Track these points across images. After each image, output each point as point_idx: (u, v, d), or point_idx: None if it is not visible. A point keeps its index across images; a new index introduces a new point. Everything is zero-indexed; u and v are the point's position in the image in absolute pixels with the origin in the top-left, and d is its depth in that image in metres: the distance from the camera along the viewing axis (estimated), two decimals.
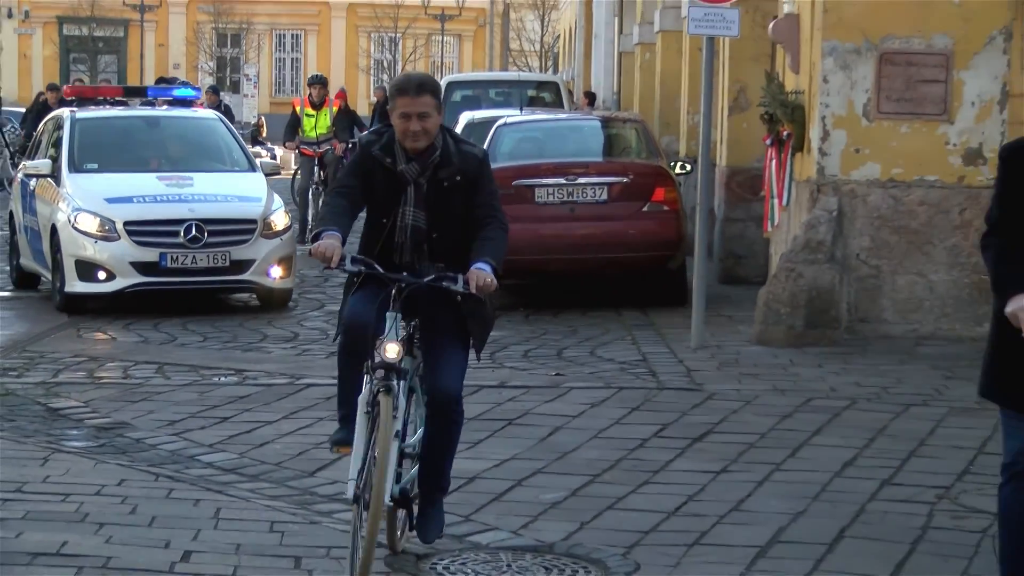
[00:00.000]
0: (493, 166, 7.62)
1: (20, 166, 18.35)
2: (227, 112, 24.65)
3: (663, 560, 7.26)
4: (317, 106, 24.14)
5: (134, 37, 66.98)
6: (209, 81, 52.28)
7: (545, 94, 27.49)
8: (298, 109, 24.36)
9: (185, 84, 24.25)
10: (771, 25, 15.23)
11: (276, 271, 15.27)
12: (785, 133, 14.47)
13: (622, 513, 8.11)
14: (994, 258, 5.70)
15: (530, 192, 15.24)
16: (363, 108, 47.94)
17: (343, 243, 6.61)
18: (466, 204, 6.84)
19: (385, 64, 66.93)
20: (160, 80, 33.97)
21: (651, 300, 15.80)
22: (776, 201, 14.98)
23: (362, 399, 6.58)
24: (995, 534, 6.30)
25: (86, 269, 14.78)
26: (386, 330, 6.56)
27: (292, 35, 70.77)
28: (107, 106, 17.87)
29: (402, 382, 6.57)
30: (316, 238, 6.63)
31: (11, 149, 30.82)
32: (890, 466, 9.13)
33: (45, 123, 18.06)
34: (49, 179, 15.88)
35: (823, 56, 13.88)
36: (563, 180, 15.65)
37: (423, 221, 6.84)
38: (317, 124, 24.05)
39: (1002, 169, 5.86)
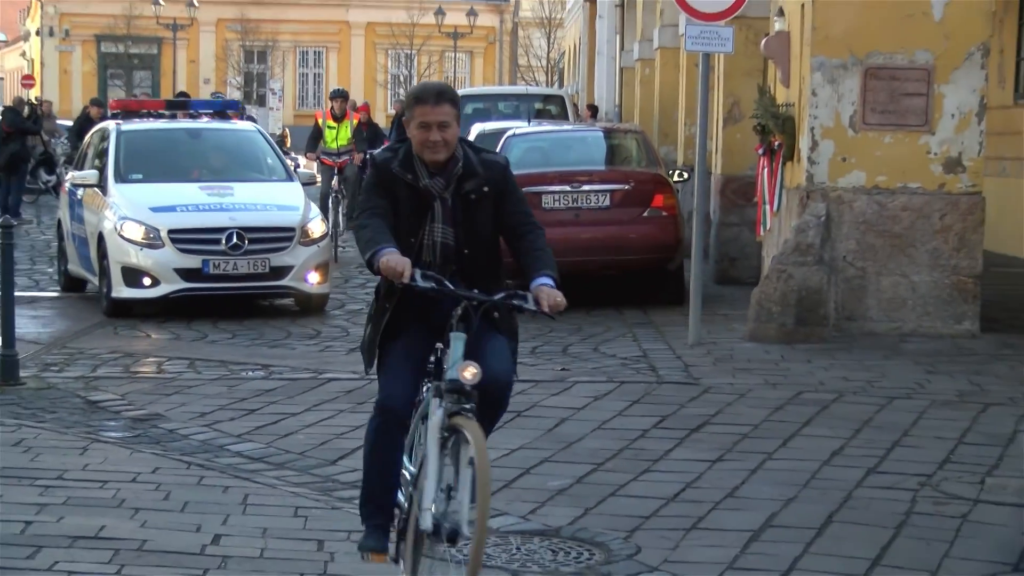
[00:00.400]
0: None
1: (68, 176, 18.24)
2: None
3: (662, 543, 7.25)
4: (338, 119, 24.12)
5: (167, 54, 66.94)
6: (236, 95, 52.33)
7: (551, 107, 27.47)
8: (320, 121, 24.34)
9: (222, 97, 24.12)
10: (763, 42, 15.22)
11: (314, 277, 15.15)
12: (776, 143, 14.47)
13: (624, 499, 8.11)
14: None
15: (537, 199, 15.20)
16: (381, 121, 47.87)
17: None
18: (495, 215, 6.04)
19: (401, 79, 66.82)
20: (180, 94, 33.96)
21: (651, 300, 15.79)
22: (768, 207, 14.98)
23: (434, 424, 5.72)
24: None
25: (132, 275, 14.67)
26: (454, 351, 5.74)
27: (314, 52, 70.78)
28: (151, 118, 17.70)
29: (473, 404, 5.70)
30: (373, 257, 5.77)
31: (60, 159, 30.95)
32: (875, 455, 9.12)
33: (91, 135, 17.93)
34: (96, 189, 15.78)
35: (812, 71, 13.86)
36: (568, 187, 15.64)
37: (452, 237, 6.01)
38: (338, 136, 24.02)
39: None
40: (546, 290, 5.79)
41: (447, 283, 5.80)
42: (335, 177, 22.75)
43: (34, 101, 40.90)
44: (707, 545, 7.23)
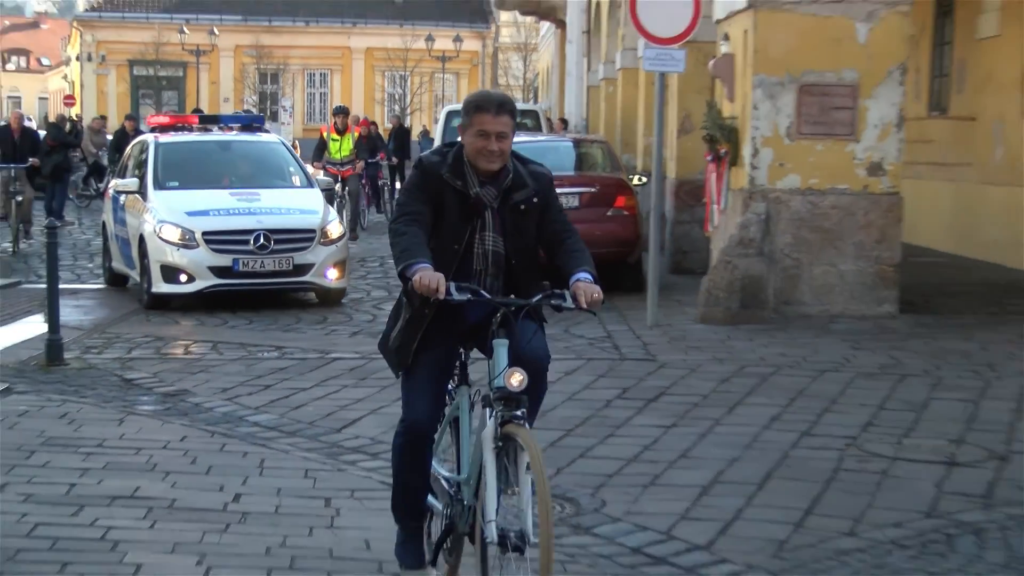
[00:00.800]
0: None
1: (111, 183, 18.09)
2: None
3: (625, 497, 7.28)
4: (341, 132, 24.05)
5: (191, 76, 66.62)
6: (253, 112, 52.10)
7: (527, 120, 27.36)
8: (325, 135, 24.27)
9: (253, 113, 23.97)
10: (711, 63, 15.23)
11: (332, 273, 15.02)
12: (723, 151, 14.47)
13: (591, 460, 8.14)
14: None
15: None
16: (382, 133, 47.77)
17: None
18: (538, 224, 5.38)
19: (396, 97, 66.72)
20: (195, 111, 33.91)
21: (614, 288, 15.73)
22: (716, 206, 14.99)
23: (488, 435, 5.03)
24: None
25: (169, 272, 14.56)
26: (499, 359, 5.10)
27: (320, 74, 70.46)
28: (185, 132, 17.53)
29: (523, 409, 5.03)
30: (406, 270, 5.08)
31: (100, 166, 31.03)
32: (808, 420, 9.17)
33: (132, 147, 17.74)
34: (137, 195, 15.66)
35: (753, 88, 13.88)
36: None
37: (501, 246, 5.31)
38: (341, 147, 23.97)
39: None
40: (582, 286, 5.17)
41: (483, 292, 5.15)
42: (338, 184, 22.71)
43: (74, 118, 40.88)
44: (663, 499, 7.26)
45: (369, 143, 26.87)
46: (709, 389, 10.25)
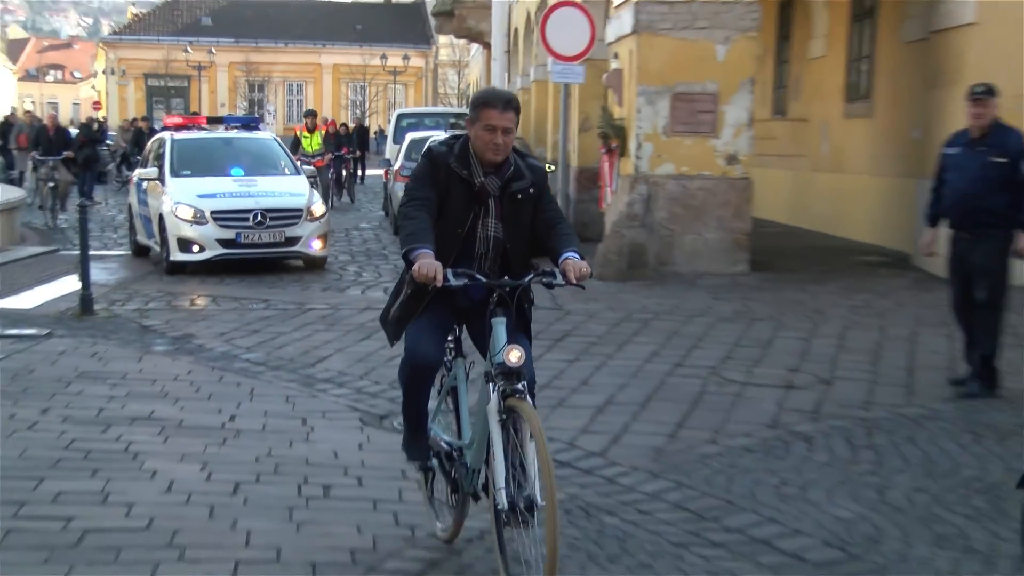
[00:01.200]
0: None
1: (135, 173, 17.73)
2: None
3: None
4: (311, 131, 23.87)
5: (194, 87, 66.06)
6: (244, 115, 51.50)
7: (461, 121, 27.24)
8: (298, 133, 24.08)
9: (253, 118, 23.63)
10: (604, 76, 15.23)
11: (316, 244, 14.83)
12: (614, 145, 14.51)
13: None
14: None
15: None
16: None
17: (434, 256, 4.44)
18: (532, 212, 4.72)
19: (357, 103, 66.16)
20: (192, 115, 33.57)
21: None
22: (608, 189, 15.04)
23: (492, 408, 4.37)
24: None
25: (184, 244, 14.32)
26: (497, 336, 4.44)
27: (296, 84, 69.78)
28: (195, 130, 17.23)
29: (524, 383, 4.37)
30: (408, 254, 4.44)
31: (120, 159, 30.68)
32: (679, 355, 9.22)
33: (152, 142, 17.35)
34: (156, 181, 15.41)
35: (637, 96, 13.90)
36: None
37: (500, 232, 4.68)
38: (311, 143, 23.79)
39: None
40: (571, 263, 4.50)
41: (478, 276, 4.51)
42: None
43: (100, 120, 40.26)
44: (568, 418, 7.26)
45: (336, 139, 26.63)
46: (604, 331, 10.27)
